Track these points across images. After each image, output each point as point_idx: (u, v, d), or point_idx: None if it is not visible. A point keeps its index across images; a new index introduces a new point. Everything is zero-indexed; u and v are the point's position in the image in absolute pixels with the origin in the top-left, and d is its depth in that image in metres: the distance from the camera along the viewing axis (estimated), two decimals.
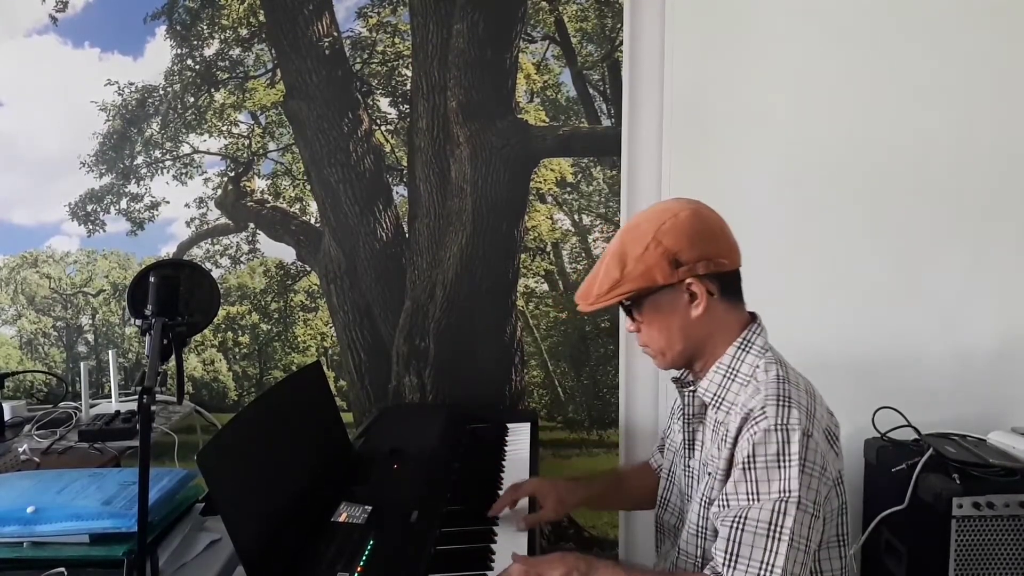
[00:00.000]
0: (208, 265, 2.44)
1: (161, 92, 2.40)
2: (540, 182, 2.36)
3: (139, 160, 2.43)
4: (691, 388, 1.39)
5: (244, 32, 2.37)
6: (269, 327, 2.50)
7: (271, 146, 2.42)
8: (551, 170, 2.35)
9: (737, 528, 1.17)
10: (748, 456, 1.19)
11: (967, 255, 2.23)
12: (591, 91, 2.33)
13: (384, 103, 2.37)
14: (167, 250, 2.47)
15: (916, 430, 2.07)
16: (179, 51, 2.38)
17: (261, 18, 2.36)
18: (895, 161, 2.20)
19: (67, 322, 2.53)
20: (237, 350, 2.52)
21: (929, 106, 2.18)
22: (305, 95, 2.37)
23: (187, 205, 2.44)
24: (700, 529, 1.32)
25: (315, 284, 2.46)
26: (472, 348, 2.40)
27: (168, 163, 2.43)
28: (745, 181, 2.22)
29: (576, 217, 2.37)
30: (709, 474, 1.30)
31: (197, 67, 2.39)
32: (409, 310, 2.41)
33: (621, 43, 2.26)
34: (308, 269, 2.46)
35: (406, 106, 2.37)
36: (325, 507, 1.46)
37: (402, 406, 2.41)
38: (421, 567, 1.38)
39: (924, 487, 1.90)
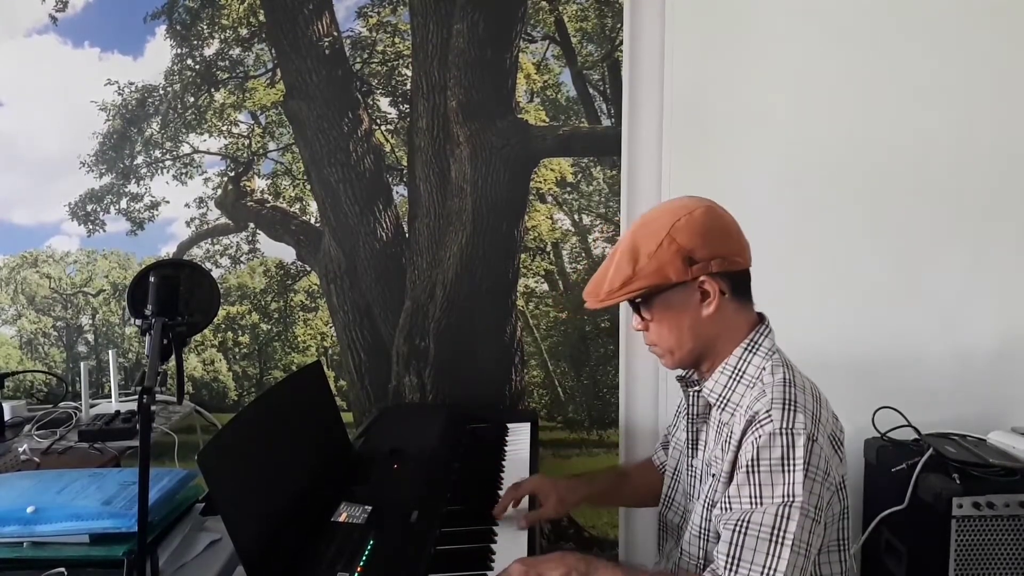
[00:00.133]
0: (208, 265, 2.43)
1: (161, 92, 2.40)
2: (540, 182, 2.36)
3: (139, 160, 2.43)
4: (696, 388, 1.39)
5: (244, 32, 2.37)
6: (269, 327, 2.50)
7: (271, 146, 2.42)
8: (551, 170, 2.35)
9: (739, 532, 1.17)
10: (752, 459, 1.19)
11: (967, 255, 2.23)
12: (591, 91, 2.33)
13: (384, 103, 2.37)
14: (167, 250, 2.47)
15: (916, 430, 2.07)
16: (179, 51, 2.38)
17: (261, 18, 2.36)
18: (895, 161, 2.20)
19: (67, 322, 2.53)
20: (237, 350, 2.51)
21: (929, 106, 2.18)
22: (305, 95, 2.37)
23: (187, 205, 2.44)
24: (703, 531, 1.31)
25: (315, 284, 2.46)
26: (472, 348, 2.40)
27: (168, 163, 2.43)
28: (745, 181, 2.22)
29: (576, 217, 2.37)
30: (712, 475, 1.30)
31: (197, 67, 2.39)
32: (409, 310, 2.41)
33: (621, 43, 2.26)
34: (308, 269, 2.46)
35: (406, 106, 2.37)
36: (325, 507, 1.45)
37: (402, 406, 2.41)
38: (421, 567, 1.38)
39: (924, 487, 1.90)
